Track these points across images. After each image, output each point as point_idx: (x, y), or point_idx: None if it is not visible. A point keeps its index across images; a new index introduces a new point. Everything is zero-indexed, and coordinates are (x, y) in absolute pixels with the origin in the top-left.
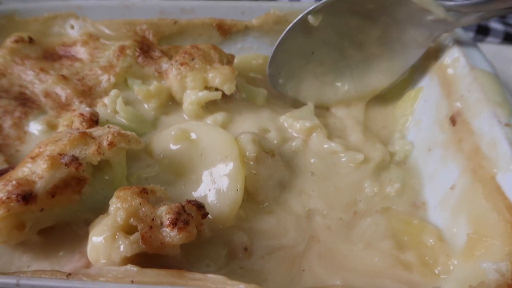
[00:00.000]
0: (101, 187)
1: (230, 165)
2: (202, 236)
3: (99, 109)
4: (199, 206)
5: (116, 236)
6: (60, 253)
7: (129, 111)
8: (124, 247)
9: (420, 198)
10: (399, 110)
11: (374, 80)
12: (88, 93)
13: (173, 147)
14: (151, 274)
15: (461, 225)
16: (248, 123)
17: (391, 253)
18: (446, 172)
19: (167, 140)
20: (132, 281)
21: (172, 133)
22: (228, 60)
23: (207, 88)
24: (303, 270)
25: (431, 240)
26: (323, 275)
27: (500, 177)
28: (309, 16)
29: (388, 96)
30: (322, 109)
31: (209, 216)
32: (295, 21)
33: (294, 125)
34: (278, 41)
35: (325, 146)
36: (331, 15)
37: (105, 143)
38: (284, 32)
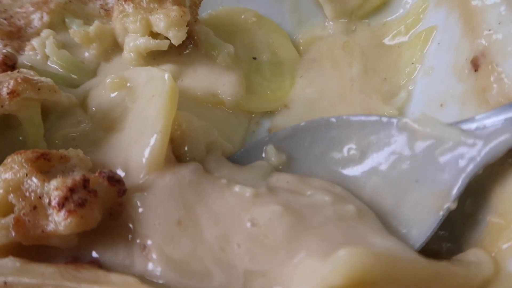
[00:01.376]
0: (12, 150)
1: (155, 104)
2: (122, 219)
3: (27, 53)
4: (112, 180)
5: None
6: None
7: (63, 55)
8: None
9: None
10: (405, 56)
11: None
12: (16, 35)
13: (109, 97)
14: (36, 271)
15: (480, 206)
16: (201, 82)
17: None
18: None
19: (104, 90)
20: (5, 283)
21: (108, 80)
22: (193, 2)
23: (153, 34)
24: None
25: None
26: None
27: None
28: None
29: (392, 39)
30: None
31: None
32: None
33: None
34: None
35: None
36: None
37: (4, 91)
38: None
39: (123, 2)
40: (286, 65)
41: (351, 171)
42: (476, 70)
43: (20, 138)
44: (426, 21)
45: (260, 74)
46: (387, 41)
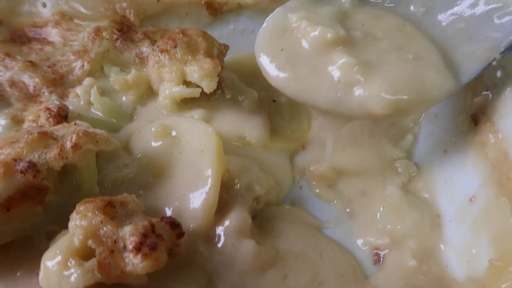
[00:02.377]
0: (69, 194)
1: (205, 159)
2: (178, 258)
3: (71, 100)
4: (173, 225)
5: (69, 263)
6: (18, 273)
7: (105, 102)
8: (75, 277)
9: (434, 209)
10: None
11: None
12: (60, 82)
13: (153, 144)
14: None
15: (482, 247)
16: (230, 126)
17: None
18: (465, 180)
19: (148, 137)
20: None
21: (153, 129)
22: (220, 51)
23: (186, 82)
24: None
25: None
26: None
27: None
28: None
29: None
30: None
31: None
32: None
33: (307, 31)
34: None
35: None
36: None
37: (68, 145)
38: None
39: (159, 53)
40: (303, 107)
41: (413, 23)
42: (476, 125)
43: (74, 182)
44: None
45: (280, 116)
46: None
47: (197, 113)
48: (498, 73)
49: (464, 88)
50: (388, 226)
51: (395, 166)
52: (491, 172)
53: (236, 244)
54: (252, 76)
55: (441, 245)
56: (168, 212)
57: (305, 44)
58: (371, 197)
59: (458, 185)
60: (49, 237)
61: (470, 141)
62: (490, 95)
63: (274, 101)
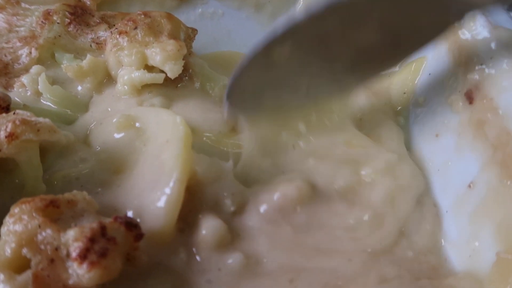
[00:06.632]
0: (9, 194)
1: (170, 150)
2: (139, 264)
3: (17, 91)
4: (130, 225)
5: None
6: None
7: (57, 91)
8: None
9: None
10: (396, 86)
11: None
12: (4, 72)
13: (115, 137)
14: None
15: (485, 238)
16: (190, 116)
17: None
18: (461, 164)
19: (109, 129)
20: None
21: (114, 120)
22: (188, 35)
23: (148, 67)
24: None
25: None
26: None
27: None
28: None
29: None
30: None
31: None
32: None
33: None
34: (231, 77)
35: None
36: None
37: (2, 135)
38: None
39: (117, 36)
40: None
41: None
42: (470, 103)
43: (17, 181)
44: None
45: None
46: None
47: (156, 101)
48: (493, 45)
49: (454, 65)
50: None
51: None
52: (492, 153)
53: (223, 266)
54: (225, 72)
55: (442, 240)
56: (128, 213)
57: None
58: None
59: (454, 171)
60: None
61: (465, 121)
62: (486, 70)
63: None
